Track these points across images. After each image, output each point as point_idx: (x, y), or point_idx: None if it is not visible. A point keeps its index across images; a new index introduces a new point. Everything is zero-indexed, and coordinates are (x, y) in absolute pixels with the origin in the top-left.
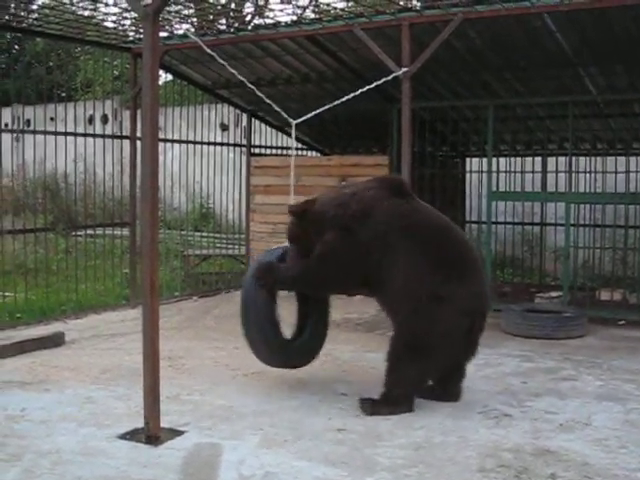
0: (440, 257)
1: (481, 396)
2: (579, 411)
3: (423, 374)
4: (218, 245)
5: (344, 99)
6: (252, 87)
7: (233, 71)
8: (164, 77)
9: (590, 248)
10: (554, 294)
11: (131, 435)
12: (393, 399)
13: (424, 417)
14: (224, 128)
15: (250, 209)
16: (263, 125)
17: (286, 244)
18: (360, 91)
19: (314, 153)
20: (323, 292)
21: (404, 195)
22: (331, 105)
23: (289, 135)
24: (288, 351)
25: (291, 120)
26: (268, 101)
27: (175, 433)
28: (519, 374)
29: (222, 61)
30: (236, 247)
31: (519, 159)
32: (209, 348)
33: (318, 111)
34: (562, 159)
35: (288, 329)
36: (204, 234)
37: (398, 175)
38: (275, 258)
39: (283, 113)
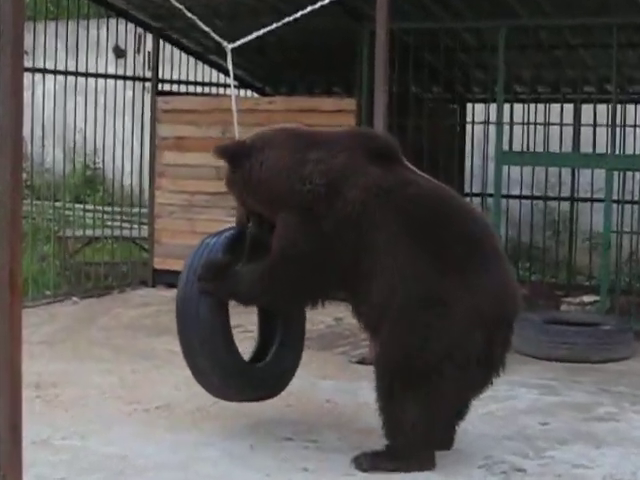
0: (440, 243)
1: (483, 443)
2: (621, 464)
3: (431, 415)
4: (109, 224)
5: (296, 15)
6: None
7: None
8: None
9: None
10: (588, 299)
11: None
12: (399, 452)
13: (404, 472)
14: (119, 54)
15: (156, 172)
16: (176, 51)
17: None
18: (318, 4)
19: (250, 93)
20: (295, 304)
21: (389, 161)
22: (279, 24)
23: (214, 66)
24: (250, 377)
25: (225, 44)
26: (190, 15)
27: None
28: (537, 412)
29: None
30: (135, 226)
31: (542, 106)
32: (95, 372)
33: (261, 32)
34: (602, 107)
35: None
36: (89, 207)
37: (380, 132)
38: (226, 246)
39: (213, 33)
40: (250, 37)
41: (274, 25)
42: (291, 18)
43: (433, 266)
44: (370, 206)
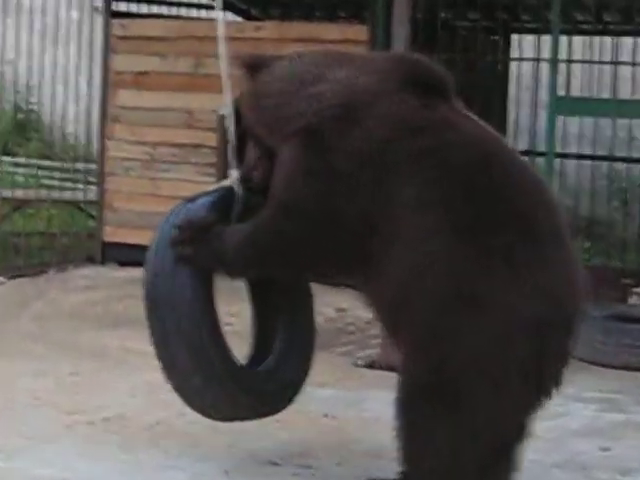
0: (483, 211)
1: (527, 472)
2: None
3: (465, 440)
4: (46, 182)
5: None
6: None
7: None
8: None
9: None
10: None
11: None
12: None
13: None
14: None
15: (108, 116)
16: None
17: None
18: None
19: (231, 17)
20: (295, 271)
21: (431, 94)
22: None
23: None
24: (245, 385)
25: None
26: None
27: None
28: (596, 433)
29: None
30: (80, 187)
31: (608, 40)
32: (25, 373)
33: None
34: None
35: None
36: (20, 160)
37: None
38: (210, 206)
39: None
40: None
41: None
42: None
43: (470, 242)
44: (394, 146)
